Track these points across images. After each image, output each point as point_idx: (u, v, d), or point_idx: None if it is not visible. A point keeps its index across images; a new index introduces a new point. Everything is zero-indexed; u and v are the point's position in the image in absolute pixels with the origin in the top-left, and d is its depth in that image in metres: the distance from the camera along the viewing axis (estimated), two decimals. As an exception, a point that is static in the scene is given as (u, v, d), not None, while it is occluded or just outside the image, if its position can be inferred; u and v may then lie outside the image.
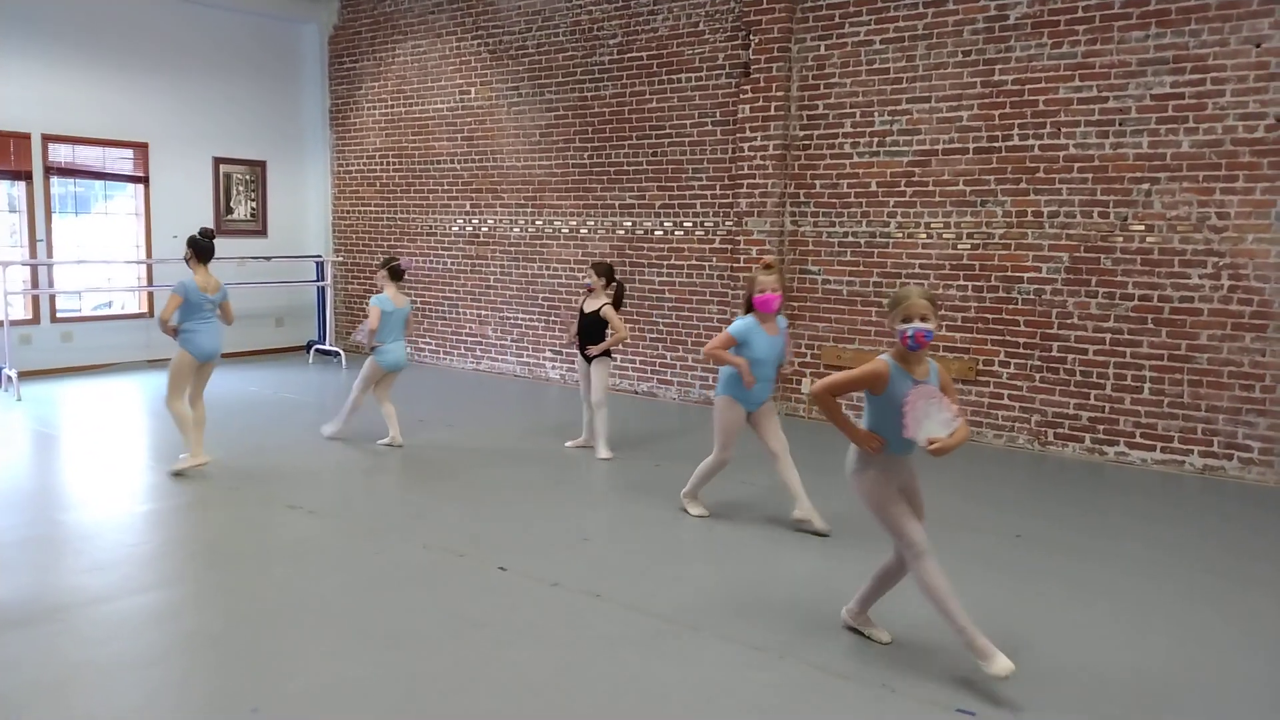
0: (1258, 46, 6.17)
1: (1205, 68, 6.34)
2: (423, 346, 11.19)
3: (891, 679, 3.47)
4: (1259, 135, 6.20)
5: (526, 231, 10.07)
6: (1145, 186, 6.61)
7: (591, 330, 6.71)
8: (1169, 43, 6.45)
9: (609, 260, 8.97)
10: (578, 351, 6.88)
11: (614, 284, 6.77)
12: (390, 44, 11.10)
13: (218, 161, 11.14)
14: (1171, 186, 6.51)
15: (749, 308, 5.24)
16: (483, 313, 10.51)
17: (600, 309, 6.66)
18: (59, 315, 10.10)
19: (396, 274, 7.08)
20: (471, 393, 9.39)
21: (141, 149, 10.46)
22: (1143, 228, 6.64)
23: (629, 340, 8.53)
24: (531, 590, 4.26)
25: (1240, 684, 3.53)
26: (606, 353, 6.72)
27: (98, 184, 10.43)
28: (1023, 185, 7.07)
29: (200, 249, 6.16)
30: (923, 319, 3.47)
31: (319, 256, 11.67)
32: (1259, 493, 6.11)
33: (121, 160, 10.39)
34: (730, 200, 8.52)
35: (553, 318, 9.92)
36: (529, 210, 10.03)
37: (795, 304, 8.26)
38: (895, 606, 4.15)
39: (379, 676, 3.44)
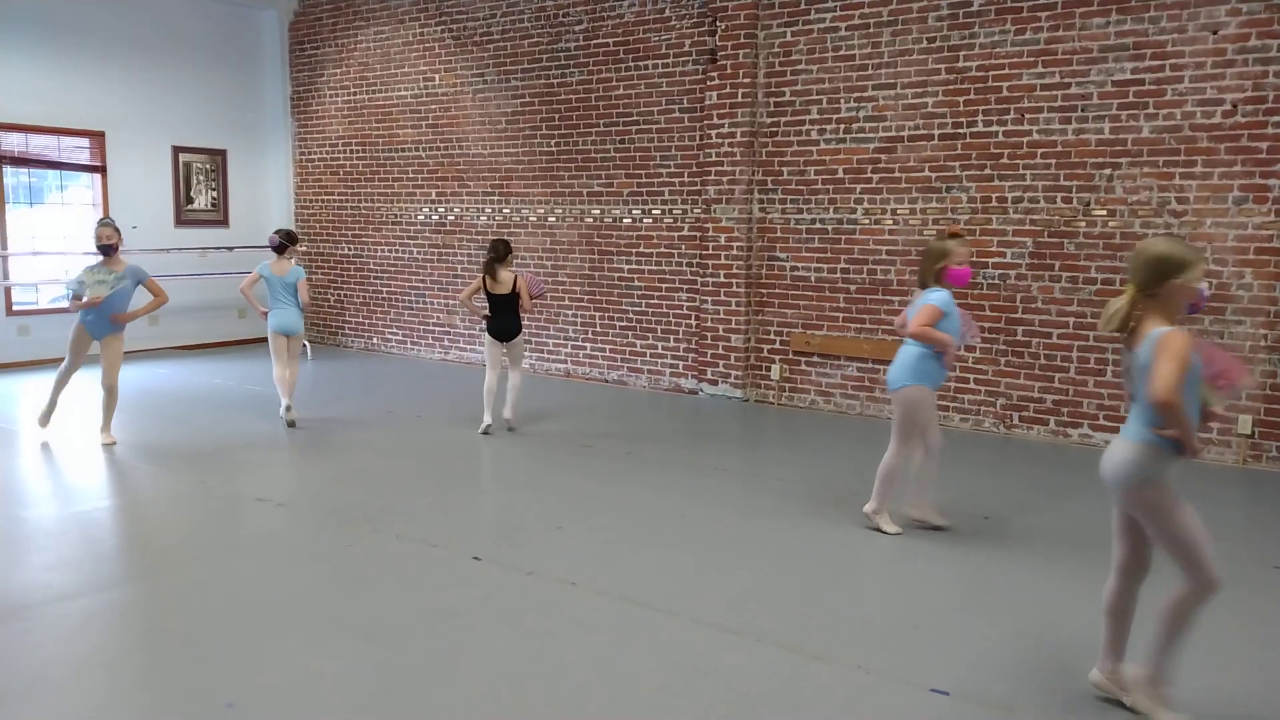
0: (1214, 34, 6.27)
1: (1164, 54, 6.44)
2: (389, 337, 11.10)
3: (865, 660, 3.51)
4: (1216, 121, 6.31)
5: (494, 220, 10.00)
6: (1107, 172, 6.70)
7: (506, 307, 7.02)
8: (1129, 29, 6.53)
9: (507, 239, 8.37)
10: (489, 332, 7.10)
11: (511, 255, 7.11)
12: (352, 30, 10.96)
13: (177, 150, 10.95)
14: (1133, 171, 6.61)
15: (937, 279, 4.73)
16: (450, 302, 10.44)
17: (516, 282, 6.98)
18: (15, 308, 9.89)
19: (279, 249, 7.39)
20: (439, 383, 9.33)
21: (98, 138, 10.25)
22: (1105, 212, 6.74)
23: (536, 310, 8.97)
24: (506, 579, 4.26)
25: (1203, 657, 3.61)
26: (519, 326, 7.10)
27: (53, 174, 10.21)
28: (987, 171, 7.14)
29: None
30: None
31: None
32: (1218, 472, 6.24)
33: (77, 149, 10.18)
34: (698, 187, 8.52)
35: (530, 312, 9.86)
36: (496, 198, 9.97)
37: (764, 290, 8.29)
38: (862, 586, 4.19)
39: (354, 668, 3.42)
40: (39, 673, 3.37)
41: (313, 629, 3.75)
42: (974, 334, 5.33)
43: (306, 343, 11.08)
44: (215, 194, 11.39)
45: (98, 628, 3.76)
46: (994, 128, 7.08)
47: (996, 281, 7.17)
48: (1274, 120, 6.13)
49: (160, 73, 10.70)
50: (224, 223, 11.42)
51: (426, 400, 8.11)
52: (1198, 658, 3.59)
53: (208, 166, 11.29)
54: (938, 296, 4.69)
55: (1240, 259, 6.29)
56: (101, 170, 10.32)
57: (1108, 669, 3.20)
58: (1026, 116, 6.95)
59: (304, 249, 11.70)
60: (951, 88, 7.23)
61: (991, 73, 7.06)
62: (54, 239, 10.17)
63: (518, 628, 3.76)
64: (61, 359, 6.88)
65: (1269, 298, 6.23)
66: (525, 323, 7.34)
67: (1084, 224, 6.82)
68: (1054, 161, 6.88)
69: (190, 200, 11.16)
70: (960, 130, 7.22)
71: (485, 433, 6.99)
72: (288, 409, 7.17)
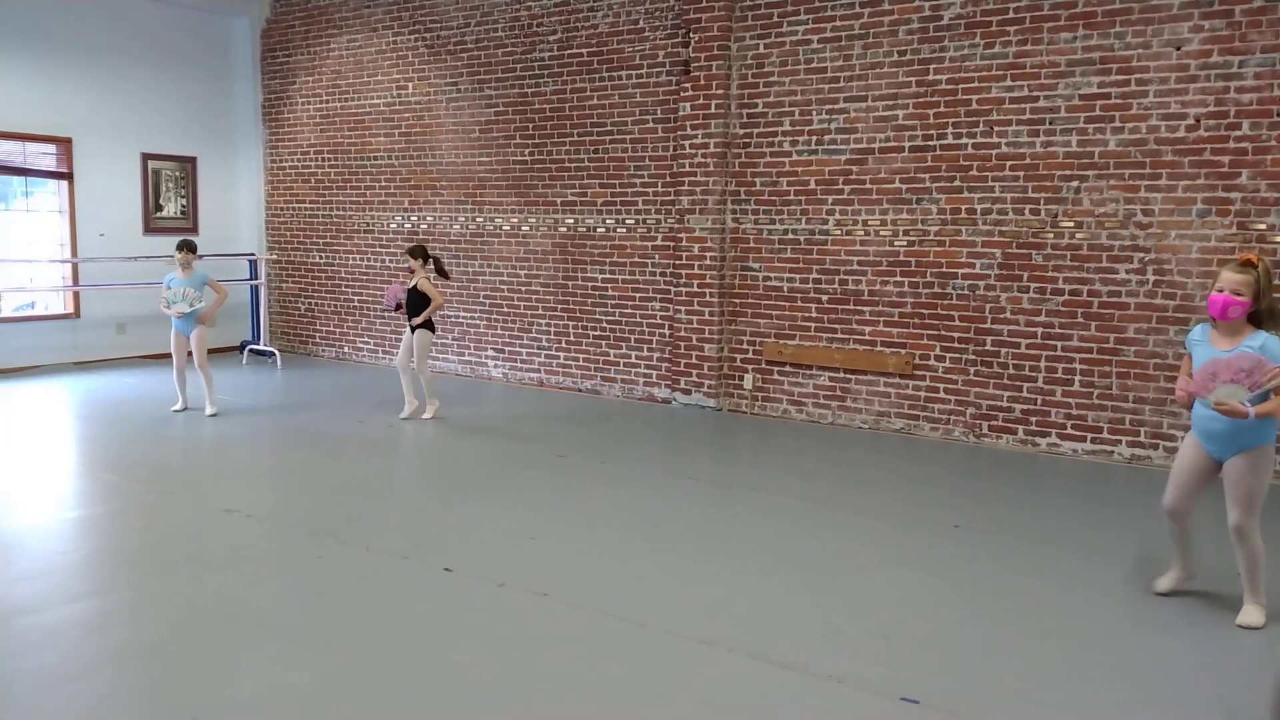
0: (1178, 50, 6.38)
1: (1130, 69, 6.54)
2: (360, 346, 11.03)
3: (836, 669, 3.53)
4: (1180, 135, 6.42)
5: (467, 229, 9.98)
6: (1074, 184, 6.79)
7: (414, 305, 7.67)
8: (1096, 44, 6.64)
9: (424, 244, 8.77)
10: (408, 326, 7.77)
11: (430, 261, 7.74)
12: (324, 38, 10.91)
13: (146, 157, 10.83)
14: (1099, 184, 6.70)
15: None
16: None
17: (416, 283, 7.64)
18: (-22, 316, 9.75)
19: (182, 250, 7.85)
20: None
21: (65, 144, 10.12)
22: (1072, 224, 6.83)
23: (446, 306, 9.63)
24: (477, 591, 4.24)
25: (1160, 661, 3.65)
26: (429, 324, 7.71)
27: (17, 180, 10.08)
28: (957, 183, 7.22)
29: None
30: None
31: (252, 254, 11.42)
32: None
33: (43, 156, 10.05)
34: (672, 198, 8.55)
35: (494, 315, 9.85)
36: (469, 207, 9.95)
37: (737, 300, 8.33)
38: (833, 595, 4.22)
39: (322, 682, 3.39)
40: (1, 688, 3.31)
41: (281, 642, 3.71)
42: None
43: (277, 352, 10.99)
44: (185, 201, 11.28)
45: (61, 642, 3.70)
46: (963, 140, 7.17)
47: (966, 292, 7.24)
48: (1235, 135, 6.24)
49: (130, 79, 10.59)
50: (194, 230, 11.30)
51: (398, 410, 8.06)
52: (1163, 668, 3.63)
53: (177, 174, 11.18)
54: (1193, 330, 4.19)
55: (1204, 271, 6.39)
56: (68, 177, 10.19)
57: None
58: (995, 129, 7.04)
59: (274, 257, 11.62)
60: (922, 100, 7.31)
61: (961, 86, 7.14)
62: (18, 246, 10.02)
63: (489, 639, 3.74)
64: (22, 368, 6.80)
65: (1232, 309, 6.33)
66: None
67: (1052, 235, 6.90)
68: (1022, 174, 6.97)
69: (159, 208, 11.05)
70: (930, 142, 7.30)
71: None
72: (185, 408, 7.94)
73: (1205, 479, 4.09)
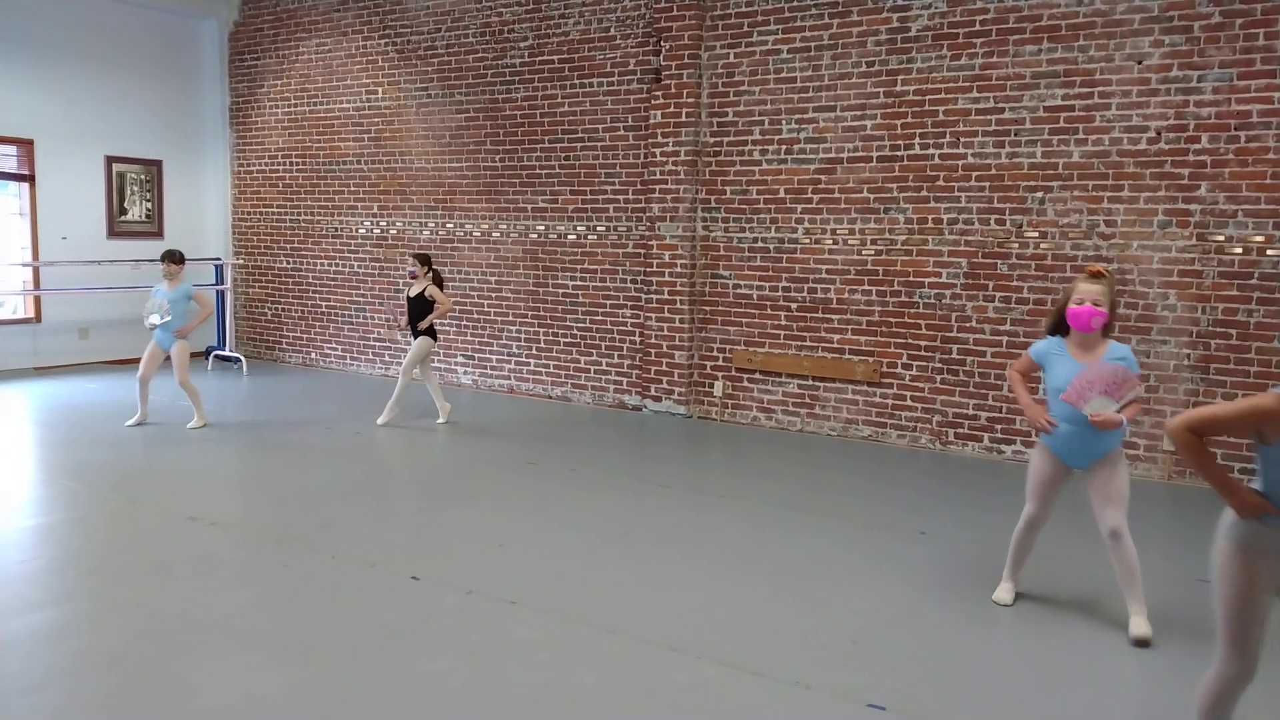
0: (1139, 63, 6.51)
1: (1093, 82, 6.66)
2: (328, 352, 10.94)
3: (804, 675, 3.55)
4: (1142, 147, 6.54)
5: (437, 234, 9.94)
6: (1039, 195, 6.89)
7: (418, 311, 7.75)
8: (1060, 57, 6.75)
9: (427, 251, 9.40)
10: (407, 331, 7.84)
11: (431, 270, 7.84)
12: (294, 41, 10.83)
13: (110, 160, 10.69)
14: (1063, 195, 6.81)
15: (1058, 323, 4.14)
16: (390, 317, 10.33)
17: (425, 290, 7.73)
18: (-64, 320, 9.56)
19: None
20: (378, 399, 9.20)
21: (26, 146, 9.97)
22: (1037, 234, 6.93)
23: (455, 311, 9.61)
24: (446, 599, 4.22)
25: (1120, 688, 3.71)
26: (431, 328, 7.79)
27: (-22, 182, 9.92)
28: (924, 193, 7.30)
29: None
30: None
31: (218, 259, 11.31)
32: (1146, 488, 6.43)
33: (5, 158, 9.88)
34: (643, 205, 8.57)
35: (464, 321, 9.82)
36: (439, 213, 9.91)
37: (707, 307, 8.36)
38: (802, 601, 4.24)
39: (289, 692, 3.36)
40: (-44, 700, 3.25)
41: (248, 651, 3.67)
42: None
43: (243, 358, 10.87)
44: (150, 205, 11.15)
45: (20, 652, 3.63)
46: (930, 150, 7.25)
47: (932, 301, 7.32)
48: (1195, 148, 6.37)
49: (94, 80, 10.45)
50: (159, 234, 11.17)
51: (365, 416, 8.01)
52: (1134, 675, 3.69)
53: (142, 177, 11.04)
54: (1037, 344, 4.25)
55: (1164, 281, 6.51)
56: (30, 179, 10.03)
57: None
58: (962, 140, 7.13)
59: (240, 262, 11.50)
60: (889, 111, 7.39)
61: (928, 97, 7.23)
62: (-22, 249, 9.86)
63: (458, 648, 3.73)
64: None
65: (1191, 318, 6.45)
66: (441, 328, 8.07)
67: (1016, 245, 7.00)
68: (988, 184, 7.06)
69: (124, 211, 10.90)
70: (898, 153, 7.38)
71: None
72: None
73: (1060, 488, 4.23)
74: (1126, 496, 4.05)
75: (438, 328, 8.38)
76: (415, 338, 7.77)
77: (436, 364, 8.06)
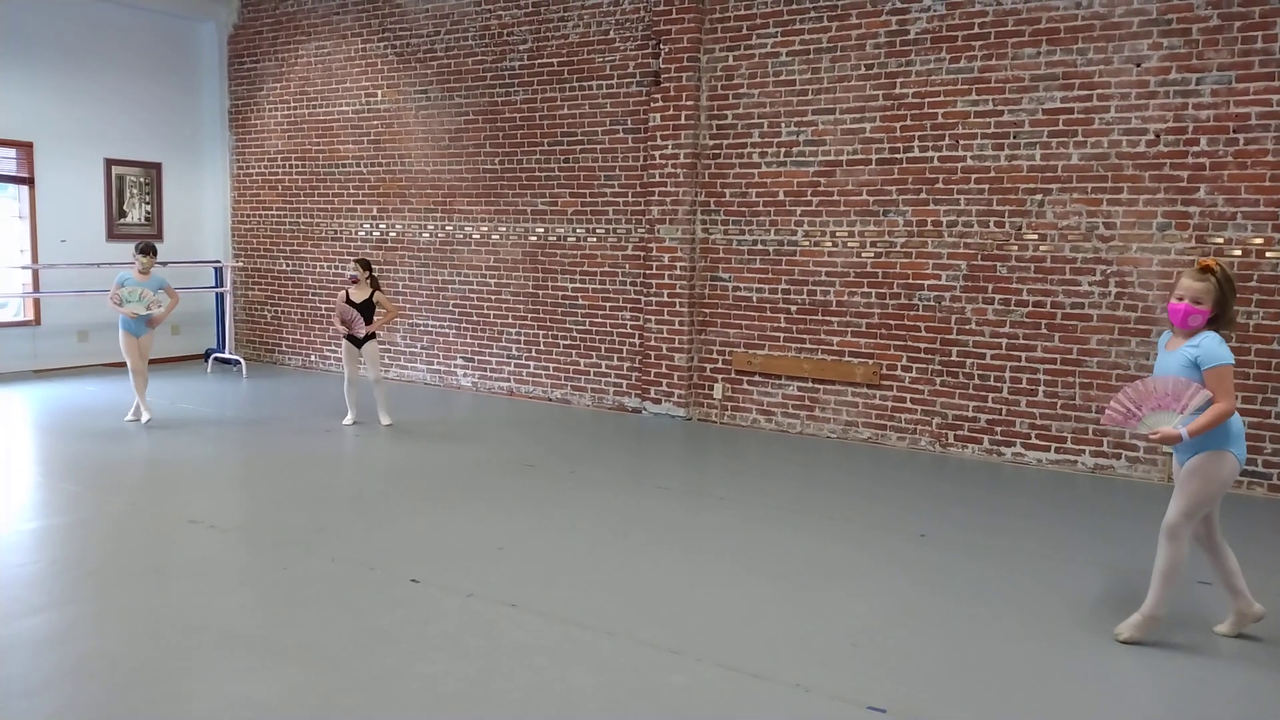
0: (1138, 66, 6.51)
1: (1092, 84, 6.66)
2: (328, 355, 10.94)
3: (804, 678, 3.54)
4: (1141, 150, 6.54)
5: (436, 236, 9.94)
6: (1038, 197, 6.90)
7: (365, 317, 7.77)
8: (1059, 60, 6.75)
9: (367, 257, 9.34)
10: (346, 338, 7.84)
11: (371, 275, 7.93)
12: (293, 44, 10.83)
13: (110, 163, 10.69)
14: (1062, 197, 6.81)
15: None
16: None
17: (372, 295, 7.81)
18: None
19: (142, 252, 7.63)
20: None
21: (26, 148, 9.97)
22: (1036, 237, 6.93)
23: (405, 314, 9.82)
24: (445, 602, 4.21)
25: (1123, 671, 3.70)
26: (374, 333, 7.89)
27: (-22, 185, 9.92)
28: (923, 195, 7.31)
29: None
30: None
31: (218, 262, 11.31)
32: (1145, 490, 6.43)
33: (4, 160, 9.88)
34: (642, 207, 8.57)
35: (464, 324, 9.82)
36: (438, 215, 9.91)
37: (707, 310, 8.36)
38: (802, 603, 4.24)
39: (287, 695, 3.35)
40: (-45, 704, 3.24)
41: (246, 655, 3.66)
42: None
43: (242, 360, 10.87)
44: (149, 208, 11.15)
45: (19, 656, 3.63)
46: (929, 153, 7.25)
47: (932, 303, 7.32)
48: (1194, 150, 6.37)
49: (94, 83, 10.45)
50: (158, 237, 11.17)
51: (365, 420, 8.00)
52: (1135, 675, 3.69)
53: (142, 179, 11.04)
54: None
55: (1164, 283, 6.51)
56: (30, 182, 10.03)
57: None
58: (961, 142, 7.13)
59: (239, 264, 11.50)
60: (888, 113, 7.39)
61: (927, 99, 7.23)
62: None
63: (457, 650, 3.72)
64: None
65: (1191, 321, 6.44)
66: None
67: (1016, 248, 7.00)
68: (987, 186, 7.06)
69: (123, 214, 10.90)
70: (897, 155, 7.38)
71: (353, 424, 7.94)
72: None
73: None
74: (1197, 499, 3.77)
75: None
76: (363, 342, 7.81)
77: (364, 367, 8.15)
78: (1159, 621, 3.90)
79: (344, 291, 7.84)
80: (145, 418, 7.68)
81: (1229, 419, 3.70)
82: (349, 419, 7.95)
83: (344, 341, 7.88)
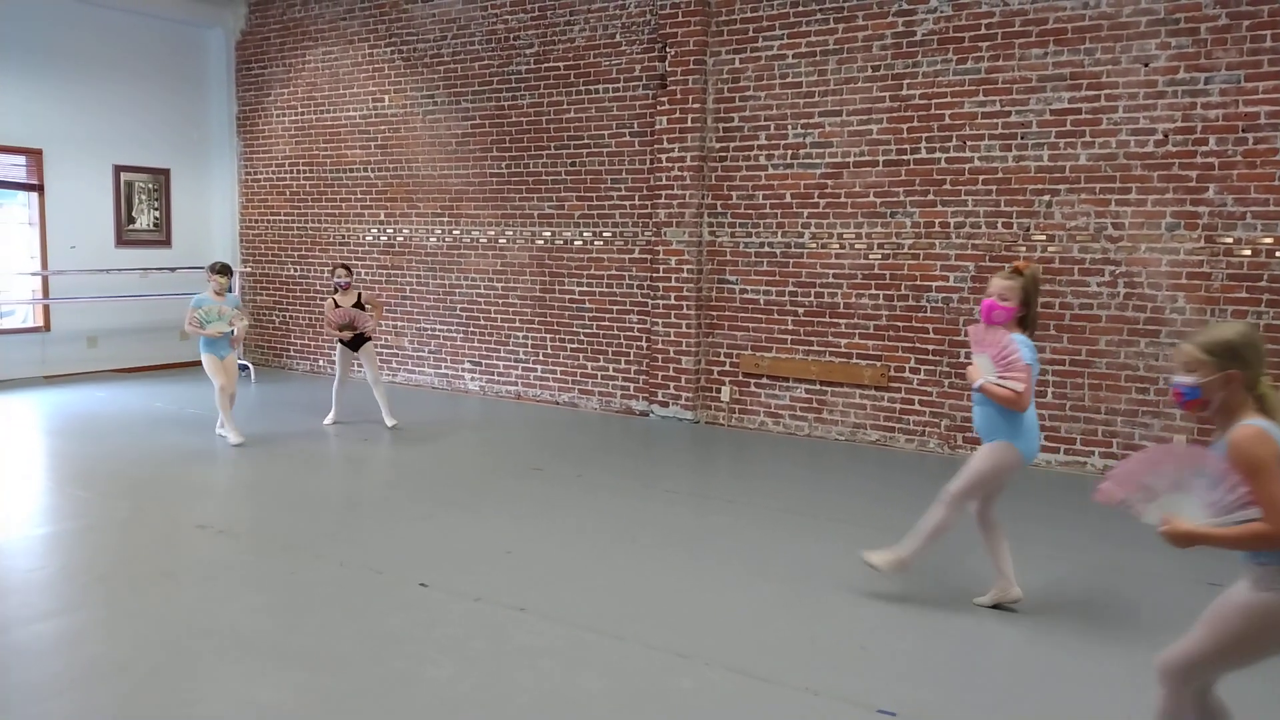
0: (1146, 66, 6.49)
1: (1099, 85, 6.64)
2: (335, 359, 10.93)
3: (813, 681, 3.53)
4: (1149, 150, 6.51)
5: (444, 241, 9.96)
6: (1046, 198, 6.87)
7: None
8: (1066, 60, 6.73)
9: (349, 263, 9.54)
10: (342, 341, 7.86)
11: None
12: (300, 50, 10.87)
13: (118, 169, 10.74)
14: (1070, 198, 6.79)
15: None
16: (398, 324, 10.35)
17: (360, 298, 7.87)
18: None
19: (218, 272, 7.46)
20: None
21: (35, 155, 10.02)
22: (1044, 237, 6.91)
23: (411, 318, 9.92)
24: (452, 606, 4.21)
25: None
26: (369, 335, 7.95)
27: (-12, 192, 9.96)
28: (930, 197, 7.29)
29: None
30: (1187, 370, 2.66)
31: (227, 267, 11.33)
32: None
33: (14, 167, 9.93)
34: (649, 210, 8.57)
35: (471, 328, 9.83)
36: (446, 219, 9.93)
37: (714, 312, 8.35)
38: (811, 606, 4.22)
39: (296, 699, 3.35)
40: (-36, 709, 3.25)
41: (254, 658, 3.67)
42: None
43: (250, 365, 10.89)
44: (158, 214, 11.19)
45: (28, 661, 3.64)
46: (937, 154, 7.23)
47: (940, 305, 7.30)
48: (1202, 150, 6.35)
49: (102, 90, 10.50)
50: (166, 243, 11.22)
51: (370, 423, 8.01)
52: (1147, 674, 3.67)
53: (150, 186, 11.09)
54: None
55: (1173, 283, 6.48)
56: (39, 189, 10.08)
57: None
58: (968, 143, 7.11)
59: (248, 270, 11.53)
60: (895, 115, 7.38)
61: (934, 101, 7.22)
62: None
63: (465, 654, 3.72)
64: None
65: (1201, 321, 6.41)
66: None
67: (1024, 249, 6.97)
68: (995, 187, 7.04)
69: (132, 220, 10.94)
70: (904, 156, 7.36)
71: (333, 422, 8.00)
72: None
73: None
74: (976, 477, 4.14)
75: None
76: (359, 345, 7.85)
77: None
78: (907, 567, 4.27)
79: (331, 300, 7.87)
80: (237, 440, 7.24)
81: (1021, 412, 4.05)
82: (330, 419, 8.03)
83: (339, 346, 7.93)
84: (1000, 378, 4.00)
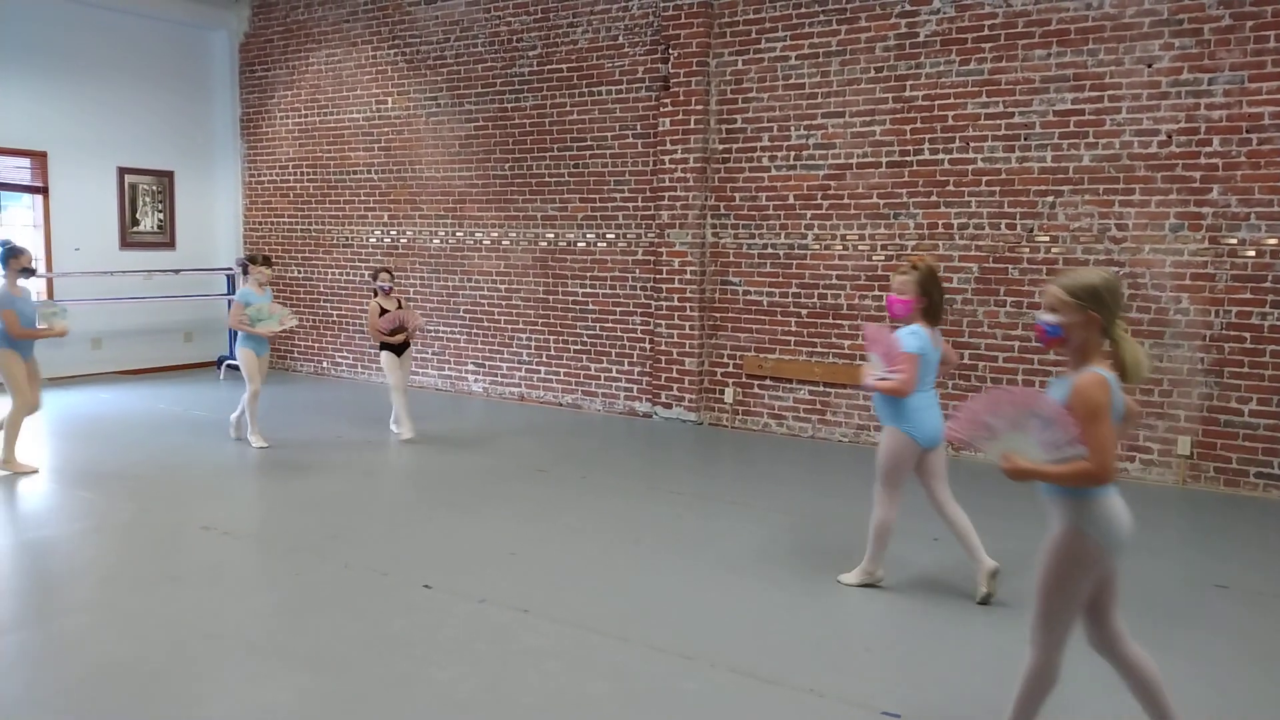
0: (1149, 67, 6.48)
1: (1103, 86, 6.63)
2: (339, 361, 10.97)
3: (817, 683, 3.53)
4: (1153, 150, 6.51)
5: (447, 243, 9.97)
6: (1049, 199, 6.87)
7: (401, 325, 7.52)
8: (1069, 61, 6.73)
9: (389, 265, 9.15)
10: (387, 348, 7.55)
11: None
12: (303, 52, 10.89)
13: (123, 171, 10.76)
14: (1074, 199, 6.79)
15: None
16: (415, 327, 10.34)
17: (400, 304, 7.64)
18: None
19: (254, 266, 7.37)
20: (389, 407, 9.22)
21: (40, 158, 10.04)
22: (1048, 239, 6.90)
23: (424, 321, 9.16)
24: (457, 607, 4.21)
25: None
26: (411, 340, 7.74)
27: (-8, 194, 9.99)
28: (933, 198, 7.29)
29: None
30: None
31: (230, 269, 11.36)
32: (1159, 493, 6.39)
33: (18, 170, 9.96)
34: (652, 212, 8.57)
35: (475, 330, 9.83)
36: (449, 221, 9.94)
37: (718, 314, 8.35)
38: (815, 608, 4.22)
39: (301, 701, 3.36)
40: (-29, 711, 3.26)
41: (259, 660, 3.67)
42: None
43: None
44: (162, 216, 11.21)
45: (34, 663, 3.65)
46: (940, 155, 7.23)
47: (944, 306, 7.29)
48: (1206, 151, 6.34)
49: (106, 92, 10.52)
50: (170, 245, 11.24)
51: (376, 425, 8.02)
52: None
53: (154, 188, 11.11)
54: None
55: (1177, 284, 6.48)
56: (43, 191, 10.10)
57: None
58: (971, 145, 7.11)
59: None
60: (898, 116, 7.38)
61: (937, 102, 7.22)
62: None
63: (469, 656, 3.73)
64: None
65: (1205, 322, 6.41)
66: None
67: (1028, 250, 6.97)
68: (998, 189, 7.04)
69: (136, 222, 10.97)
70: (907, 158, 7.36)
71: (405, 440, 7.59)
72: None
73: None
74: (880, 467, 4.42)
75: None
76: (404, 349, 7.60)
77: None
78: (875, 575, 4.50)
79: (374, 304, 7.54)
80: (262, 444, 7.22)
81: (903, 398, 4.26)
82: (407, 431, 7.53)
83: (385, 354, 7.53)
84: (887, 370, 4.23)
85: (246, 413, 7.31)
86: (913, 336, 4.27)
